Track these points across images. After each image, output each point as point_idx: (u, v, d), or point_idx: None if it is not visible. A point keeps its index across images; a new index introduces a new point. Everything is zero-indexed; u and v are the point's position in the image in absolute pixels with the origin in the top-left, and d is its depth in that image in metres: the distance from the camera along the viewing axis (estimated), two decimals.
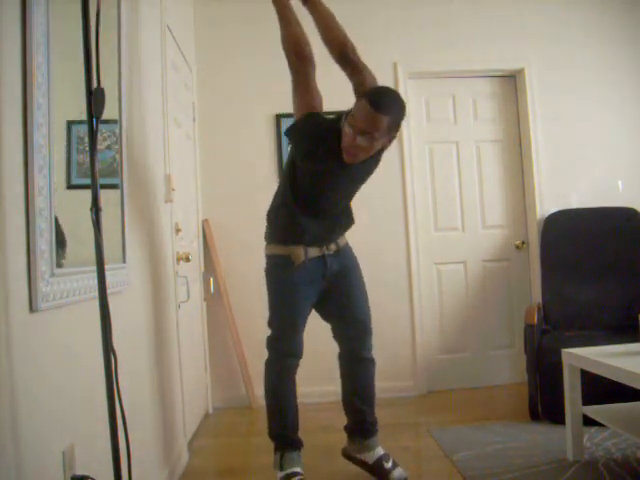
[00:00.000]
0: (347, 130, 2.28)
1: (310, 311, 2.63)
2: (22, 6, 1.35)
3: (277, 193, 2.62)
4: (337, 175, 2.45)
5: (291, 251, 2.53)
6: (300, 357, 2.57)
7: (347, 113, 2.33)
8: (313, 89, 2.47)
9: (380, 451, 2.60)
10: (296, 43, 2.45)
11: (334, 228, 2.61)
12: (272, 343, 2.58)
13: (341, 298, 2.62)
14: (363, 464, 2.62)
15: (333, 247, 2.59)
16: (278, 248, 2.56)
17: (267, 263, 2.61)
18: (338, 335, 2.68)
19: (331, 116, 2.49)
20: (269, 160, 4.09)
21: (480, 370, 4.18)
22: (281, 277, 2.56)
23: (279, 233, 2.57)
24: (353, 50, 2.47)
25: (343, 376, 2.70)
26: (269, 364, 2.59)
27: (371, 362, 2.67)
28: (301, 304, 2.56)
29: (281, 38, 2.50)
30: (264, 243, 2.63)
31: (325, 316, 2.68)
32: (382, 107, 2.22)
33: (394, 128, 2.30)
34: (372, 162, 2.50)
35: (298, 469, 2.51)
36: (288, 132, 2.50)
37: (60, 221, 1.48)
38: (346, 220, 2.67)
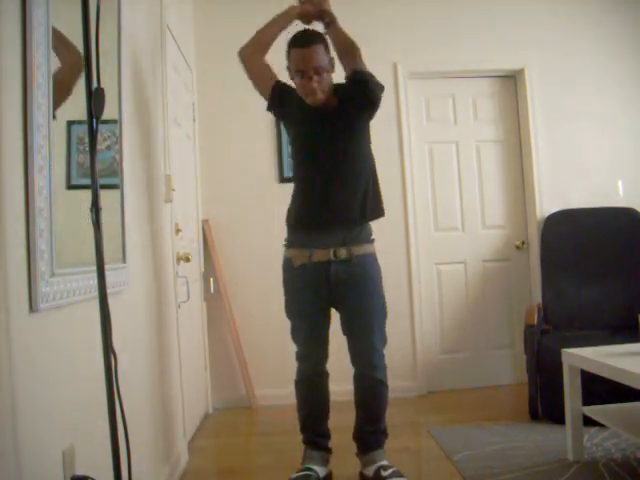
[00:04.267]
0: (298, 81, 2.47)
1: (325, 312, 2.58)
2: (22, 6, 1.35)
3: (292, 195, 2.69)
4: (317, 125, 2.52)
5: (293, 253, 2.56)
6: (317, 360, 2.59)
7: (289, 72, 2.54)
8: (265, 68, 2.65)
9: (382, 463, 2.53)
10: (252, 53, 2.64)
11: (340, 213, 2.50)
12: (294, 343, 2.64)
13: (348, 311, 2.56)
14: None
15: (343, 254, 2.50)
16: (286, 252, 2.62)
17: None
18: (349, 349, 2.60)
19: None
20: (269, 160, 4.09)
21: (480, 370, 4.18)
22: (285, 280, 2.63)
23: (290, 235, 2.62)
24: (361, 70, 2.58)
25: (353, 387, 2.64)
26: (296, 362, 2.64)
27: (379, 383, 2.56)
28: (303, 305, 2.56)
29: (252, 42, 2.64)
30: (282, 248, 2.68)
31: (342, 328, 2.62)
32: (308, 41, 2.43)
33: (328, 52, 2.50)
34: (345, 106, 2.54)
35: (313, 466, 2.54)
36: (273, 87, 2.62)
37: (60, 221, 1.48)
38: (363, 208, 2.53)
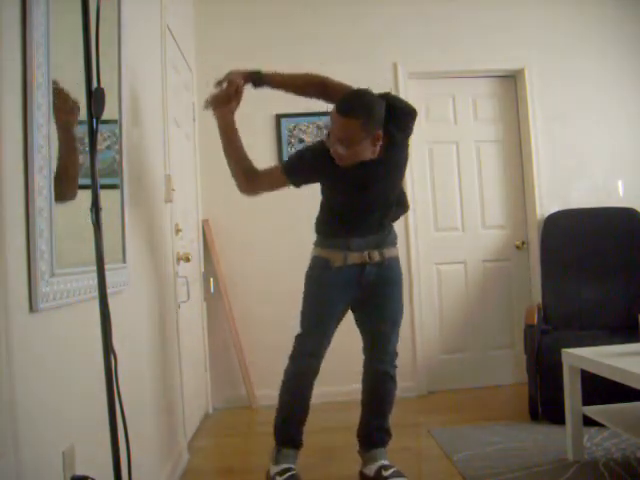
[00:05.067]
0: (329, 141, 2.36)
1: (342, 315, 2.62)
2: (22, 6, 1.35)
3: (320, 208, 2.64)
4: (357, 176, 2.43)
5: (330, 255, 2.55)
6: (320, 358, 2.57)
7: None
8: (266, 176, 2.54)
9: (383, 463, 2.55)
10: (247, 180, 2.51)
11: (378, 223, 2.55)
12: (297, 340, 2.60)
13: (371, 310, 2.61)
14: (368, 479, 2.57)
15: (376, 256, 2.54)
16: (320, 251, 2.60)
17: (309, 264, 2.64)
18: (363, 344, 2.66)
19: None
20: (269, 160, 4.06)
21: (480, 370, 4.18)
22: (317, 277, 2.60)
23: (323, 239, 2.61)
24: (330, 82, 2.51)
25: (362, 386, 2.68)
26: (291, 360, 2.61)
27: (389, 378, 2.62)
28: (331, 306, 2.57)
29: (230, 168, 2.53)
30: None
31: (356, 321, 2.67)
32: (347, 111, 2.26)
33: (371, 127, 2.28)
34: (390, 155, 2.44)
35: (292, 465, 2.53)
36: (292, 180, 2.52)
37: (60, 221, 1.48)
38: (394, 212, 2.61)
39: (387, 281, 2.60)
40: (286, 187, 2.53)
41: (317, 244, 2.64)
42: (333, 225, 2.59)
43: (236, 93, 2.47)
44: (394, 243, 2.66)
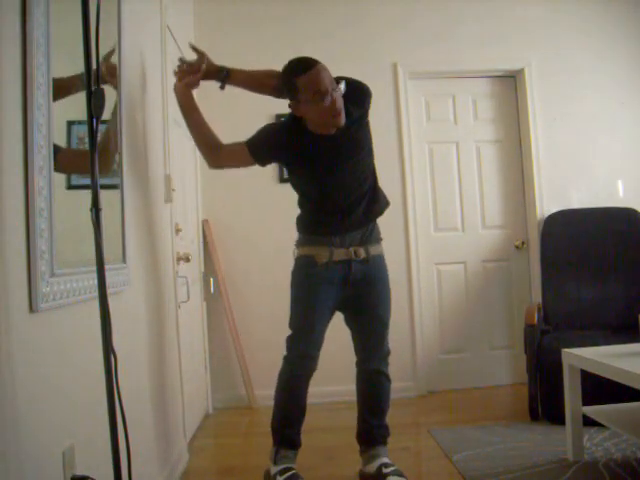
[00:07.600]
0: (320, 107, 2.33)
1: (331, 314, 2.61)
2: (22, 6, 1.35)
3: (299, 206, 2.64)
4: (323, 154, 2.44)
5: (315, 252, 2.53)
6: (315, 358, 2.55)
7: (292, 108, 2.43)
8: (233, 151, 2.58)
9: (385, 460, 2.55)
10: (211, 153, 2.57)
11: (359, 217, 2.54)
12: (289, 342, 2.58)
13: (361, 308, 2.61)
14: (369, 477, 2.56)
15: (362, 253, 2.54)
16: (304, 249, 2.58)
17: (294, 265, 2.63)
18: (354, 344, 2.67)
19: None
20: None
21: (480, 370, 4.18)
22: (303, 276, 2.57)
23: (305, 236, 2.59)
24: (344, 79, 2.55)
25: (356, 387, 2.68)
26: (286, 361, 2.59)
27: (383, 376, 2.64)
28: (320, 305, 2.55)
29: (195, 143, 2.62)
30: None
31: (346, 321, 2.68)
32: (310, 64, 2.32)
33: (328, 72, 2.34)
34: (350, 132, 2.46)
35: (292, 465, 2.52)
36: (255, 155, 2.54)
37: (60, 221, 1.48)
38: (373, 206, 2.58)
39: (375, 280, 2.60)
40: (251, 164, 2.55)
41: (300, 243, 2.61)
42: (314, 221, 2.57)
43: (199, 68, 2.50)
44: (378, 240, 2.64)
